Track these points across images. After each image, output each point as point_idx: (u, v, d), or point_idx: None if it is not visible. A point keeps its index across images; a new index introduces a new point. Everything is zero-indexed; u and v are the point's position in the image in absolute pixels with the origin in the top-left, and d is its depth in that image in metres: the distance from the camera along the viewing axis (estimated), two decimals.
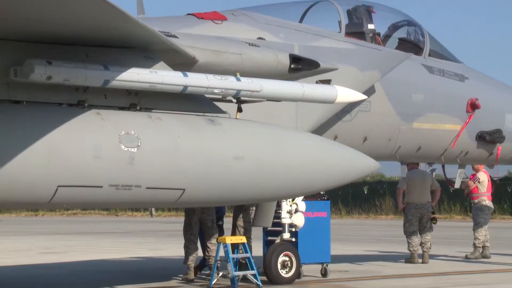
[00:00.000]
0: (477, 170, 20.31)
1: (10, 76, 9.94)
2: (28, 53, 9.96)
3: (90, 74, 10.16)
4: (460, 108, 15.96)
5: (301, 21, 14.67)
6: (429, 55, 15.94)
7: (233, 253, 14.31)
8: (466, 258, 19.67)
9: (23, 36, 9.95)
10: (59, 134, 9.80)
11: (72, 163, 9.83)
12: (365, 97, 13.16)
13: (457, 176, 17.70)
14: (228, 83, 11.30)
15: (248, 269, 14.36)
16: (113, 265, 19.31)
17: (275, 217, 14.62)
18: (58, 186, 9.81)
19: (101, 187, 10.09)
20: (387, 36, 15.61)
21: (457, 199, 41.84)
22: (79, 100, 10.38)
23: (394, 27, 15.84)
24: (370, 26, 15.12)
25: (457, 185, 18.01)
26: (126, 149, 10.18)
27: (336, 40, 14.47)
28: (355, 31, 14.95)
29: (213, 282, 14.25)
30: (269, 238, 15.22)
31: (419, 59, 15.68)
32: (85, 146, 9.95)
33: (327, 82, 13.29)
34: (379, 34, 15.34)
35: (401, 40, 15.86)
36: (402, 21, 16.00)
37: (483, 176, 20.36)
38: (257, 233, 15.90)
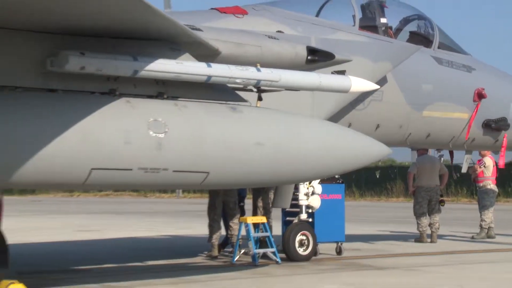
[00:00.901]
0: (483, 156, 20.22)
1: (47, 67, 9.94)
2: (63, 45, 9.97)
3: (120, 65, 10.14)
4: (468, 97, 15.88)
5: (317, 15, 14.62)
6: (438, 47, 15.88)
7: (254, 232, 14.36)
8: (473, 239, 19.60)
9: (58, 29, 9.95)
10: (92, 121, 9.80)
11: (104, 147, 9.83)
12: (377, 87, 13.09)
13: (464, 161, 17.64)
14: (249, 73, 11.24)
15: (268, 247, 14.42)
16: (142, 242, 19.41)
17: (293, 199, 14.66)
18: (92, 169, 9.82)
19: (131, 170, 10.08)
20: (398, 30, 15.56)
21: (464, 183, 41.66)
22: (110, 89, 10.37)
23: (405, 21, 15.77)
24: (383, 20, 15.08)
25: (464, 169, 17.93)
26: (154, 135, 10.18)
27: (351, 33, 14.42)
28: (369, 24, 14.90)
29: (235, 259, 14.33)
30: (287, 218, 15.26)
31: (428, 51, 15.61)
32: (116, 132, 9.94)
33: (342, 72, 13.22)
34: (391, 28, 15.28)
35: (412, 33, 15.80)
36: (413, 15, 15.93)
37: (489, 161, 20.29)
38: (276, 213, 15.92)
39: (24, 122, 9.42)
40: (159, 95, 10.76)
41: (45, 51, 9.95)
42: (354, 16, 14.86)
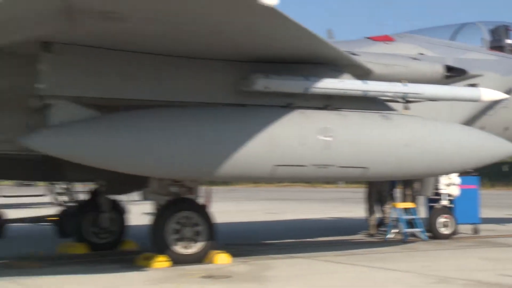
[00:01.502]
0: None
1: (239, 87, 10.17)
2: (252, 70, 10.15)
3: (295, 84, 10.24)
4: None
5: (452, 39, 14.08)
6: None
7: (404, 215, 14.02)
8: None
9: (248, 58, 10.16)
10: (274, 128, 9.91)
11: (285, 148, 9.91)
12: (506, 96, 12.43)
13: None
14: (397, 88, 11.06)
15: (416, 228, 14.02)
16: (314, 222, 19.41)
17: (436, 188, 14.23)
18: (275, 165, 9.92)
19: (306, 166, 10.10)
20: None
21: None
22: (287, 103, 10.45)
23: None
24: (509, 41, 14.32)
25: None
26: (323, 138, 10.15)
27: (481, 53, 13.79)
28: (496, 45, 14.20)
29: (388, 236, 14.02)
30: (430, 204, 14.80)
31: None
32: (293, 136, 10.01)
33: (474, 85, 12.65)
34: None
35: None
36: None
37: None
38: (421, 200, 15.45)
39: (224, 130, 9.66)
40: (325, 107, 10.73)
41: (238, 75, 10.18)
42: (483, 39, 14.21)
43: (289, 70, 10.35)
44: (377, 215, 15.50)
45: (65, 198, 14.27)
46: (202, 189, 11.38)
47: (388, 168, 10.76)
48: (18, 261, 10.95)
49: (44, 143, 8.89)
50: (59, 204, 14.35)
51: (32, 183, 18.22)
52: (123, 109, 9.51)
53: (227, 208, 25.27)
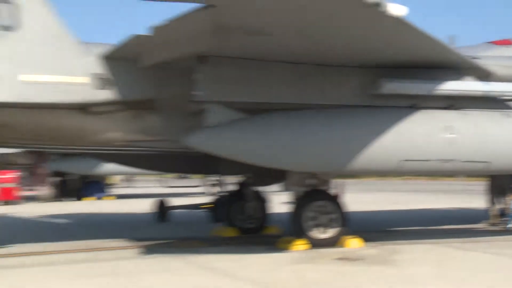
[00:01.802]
0: None
1: (368, 90, 10.08)
2: (379, 75, 10.05)
3: (419, 87, 10.05)
4: None
5: None
6: None
7: None
8: None
9: (377, 64, 10.07)
10: (401, 127, 9.78)
11: (411, 145, 9.75)
12: None
13: None
14: None
15: None
16: (437, 211, 18.77)
17: None
18: (402, 160, 9.73)
19: (431, 160, 9.83)
20: None
21: None
22: (412, 104, 10.22)
23: None
24: None
25: None
26: (447, 135, 9.85)
27: None
28: None
29: (509, 226, 13.29)
30: None
31: None
32: (419, 134, 9.83)
33: None
34: None
35: None
36: None
37: None
38: None
39: (356, 129, 9.66)
40: (449, 107, 10.39)
41: (367, 80, 10.13)
42: None
43: (414, 74, 10.13)
44: (498, 206, 14.73)
45: (217, 188, 14.84)
46: (335, 182, 11.38)
47: (509, 162, 10.23)
48: (181, 241, 11.53)
49: (201, 142, 9.31)
50: (212, 194, 14.95)
51: (188, 175, 19.08)
52: (269, 112, 9.74)
53: (357, 199, 25.01)
